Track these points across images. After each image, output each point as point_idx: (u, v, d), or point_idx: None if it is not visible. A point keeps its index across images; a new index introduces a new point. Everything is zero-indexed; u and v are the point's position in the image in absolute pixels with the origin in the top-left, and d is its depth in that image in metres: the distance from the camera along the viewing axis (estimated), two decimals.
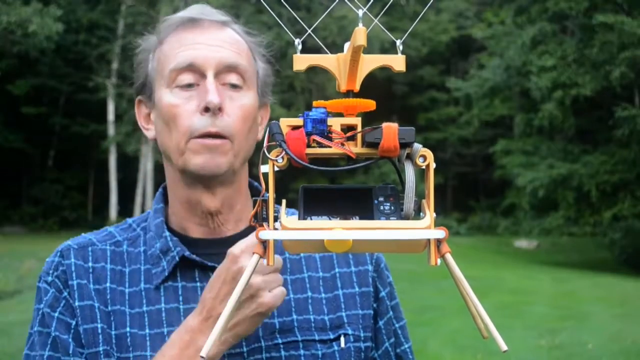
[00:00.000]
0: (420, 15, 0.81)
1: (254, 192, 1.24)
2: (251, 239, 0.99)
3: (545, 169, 17.82)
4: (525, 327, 8.41)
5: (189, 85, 1.08)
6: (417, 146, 0.68)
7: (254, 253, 0.68)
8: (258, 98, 1.16)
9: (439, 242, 0.67)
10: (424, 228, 0.66)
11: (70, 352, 1.08)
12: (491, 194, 28.59)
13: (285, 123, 0.70)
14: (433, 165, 0.67)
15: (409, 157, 0.68)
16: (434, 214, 0.67)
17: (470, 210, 29.25)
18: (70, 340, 1.09)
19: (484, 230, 27.03)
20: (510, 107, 23.80)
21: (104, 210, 25.90)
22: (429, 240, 0.67)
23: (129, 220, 1.25)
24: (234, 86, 1.10)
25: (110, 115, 24.00)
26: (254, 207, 0.72)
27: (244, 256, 0.97)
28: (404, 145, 0.68)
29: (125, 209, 24.90)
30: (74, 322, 1.10)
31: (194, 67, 1.08)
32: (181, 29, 1.12)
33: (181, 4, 21.09)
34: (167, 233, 1.14)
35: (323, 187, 0.72)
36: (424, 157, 0.68)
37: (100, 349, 1.08)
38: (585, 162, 17.60)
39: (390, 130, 0.67)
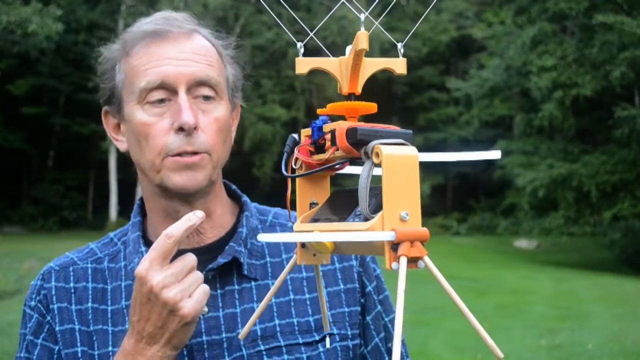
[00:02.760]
0: (422, 18, 0.82)
1: (232, 194, 1.23)
2: (151, 253, 0.96)
3: (545, 169, 17.82)
4: (525, 327, 8.41)
5: (161, 101, 1.07)
6: (372, 144, 0.66)
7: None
8: (230, 104, 1.14)
9: (393, 244, 0.64)
10: (364, 230, 0.65)
11: None
12: (491, 194, 28.58)
13: (304, 133, 0.75)
14: (390, 161, 0.64)
15: (368, 155, 0.67)
16: (404, 214, 0.64)
17: (470, 210, 29.24)
18: None
19: (484, 230, 27.02)
20: (510, 107, 23.82)
21: (104, 210, 25.90)
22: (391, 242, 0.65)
23: (111, 234, 1.24)
24: (207, 98, 1.09)
25: None
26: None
27: (150, 274, 0.95)
28: (359, 144, 0.67)
29: (125, 209, 24.89)
30: (56, 348, 1.12)
31: (165, 84, 1.06)
32: (149, 42, 1.09)
33: (181, 4, 21.09)
34: (143, 248, 1.13)
35: (349, 190, 0.74)
36: (378, 154, 0.65)
37: None
38: (585, 162, 17.60)
39: (339, 130, 0.68)
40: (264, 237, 0.68)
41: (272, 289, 0.81)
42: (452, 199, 30.99)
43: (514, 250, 21.31)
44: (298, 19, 0.80)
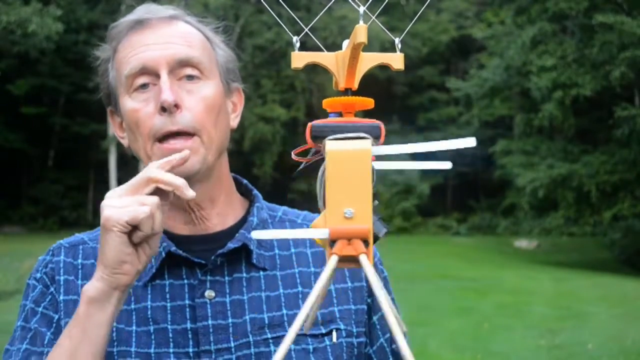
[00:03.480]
0: (417, 14, 0.81)
1: (242, 189, 1.23)
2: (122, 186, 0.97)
3: (545, 169, 17.82)
4: (525, 327, 8.41)
5: (145, 86, 1.08)
6: (325, 139, 0.65)
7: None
8: (223, 86, 1.14)
9: (331, 241, 0.61)
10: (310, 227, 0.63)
11: (46, 342, 1.09)
12: (491, 194, 28.57)
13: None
14: (333, 157, 0.62)
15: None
16: (348, 211, 0.61)
17: (470, 210, 29.24)
18: (49, 334, 1.10)
19: (484, 230, 27.01)
20: (510, 107, 23.81)
21: None
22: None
23: None
24: (191, 77, 1.09)
25: None
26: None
27: (105, 200, 0.96)
28: (318, 139, 0.66)
29: None
30: (56, 317, 1.11)
31: (147, 69, 1.07)
32: (131, 33, 1.11)
33: (181, 3, 21.09)
34: None
35: None
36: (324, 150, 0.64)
37: None
38: (585, 162, 17.59)
39: (308, 127, 0.66)
40: (257, 235, 0.67)
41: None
42: (452, 199, 30.99)
43: (514, 250, 21.30)
44: (298, 19, 0.80)
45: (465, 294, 11.02)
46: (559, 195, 17.90)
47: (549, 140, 20.62)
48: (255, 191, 1.22)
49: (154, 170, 0.96)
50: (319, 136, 0.65)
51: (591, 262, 17.79)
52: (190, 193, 0.96)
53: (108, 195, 0.96)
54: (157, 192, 0.96)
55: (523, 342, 7.59)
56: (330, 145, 0.62)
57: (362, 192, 0.61)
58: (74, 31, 24.48)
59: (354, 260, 0.61)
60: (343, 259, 0.61)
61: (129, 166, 24.49)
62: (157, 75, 1.07)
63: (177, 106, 1.05)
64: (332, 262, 0.61)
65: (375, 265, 1.19)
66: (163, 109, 1.05)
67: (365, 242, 0.61)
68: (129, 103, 1.09)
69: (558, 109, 17.46)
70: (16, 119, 25.53)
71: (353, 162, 0.61)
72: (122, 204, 0.94)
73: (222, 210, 1.16)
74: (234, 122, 1.18)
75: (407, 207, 26.30)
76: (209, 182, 1.12)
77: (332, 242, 0.61)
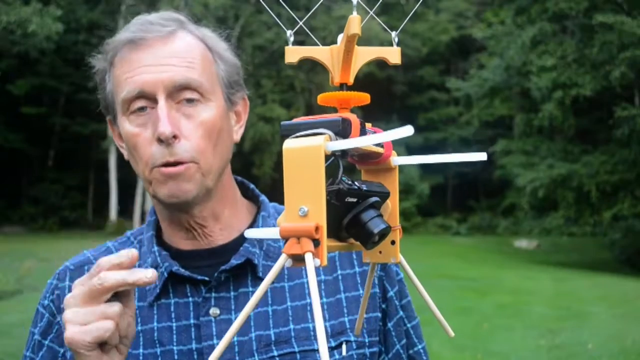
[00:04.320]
0: (413, 10, 0.79)
1: (249, 194, 1.20)
2: (77, 288, 0.91)
3: (545, 169, 17.83)
4: (525, 327, 8.41)
5: (143, 109, 1.04)
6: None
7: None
8: (224, 103, 1.10)
9: (295, 239, 0.60)
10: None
11: None
12: (491, 194, 28.59)
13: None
14: (287, 155, 0.61)
15: None
16: (302, 209, 0.60)
17: (470, 210, 29.25)
18: None
19: (484, 230, 27.03)
20: (510, 107, 23.81)
21: (104, 210, 25.91)
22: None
23: (128, 232, 1.22)
24: (191, 101, 1.05)
25: None
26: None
27: (66, 313, 0.90)
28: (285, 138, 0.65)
29: (125, 209, 24.90)
30: (62, 351, 1.11)
31: (144, 93, 1.03)
32: (127, 50, 1.06)
33: (181, 3, 21.09)
34: (156, 248, 1.12)
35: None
36: None
37: None
38: (585, 162, 17.60)
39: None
40: (250, 233, 0.66)
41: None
42: (452, 199, 31.01)
43: (514, 250, 21.31)
44: (297, 19, 0.80)
45: (465, 294, 11.03)
46: (559, 195, 17.90)
47: (549, 140, 20.63)
48: (263, 197, 1.19)
49: (108, 276, 0.89)
50: (286, 135, 0.64)
51: (591, 262, 17.80)
52: (150, 275, 0.91)
53: (66, 303, 0.90)
54: (117, 293, 0.91)
55: (523, 342, 7.59)
56: (286, 144, 0.61)
57: (316, 189, 0.60)
58: (74, 31, 24.49)
59: (301, 259, 0.60)
60: (295, 258, 0.60)
61: (129, 166, 24.51)
62: (155, 100, 1.03)
63: (175, 137, 1.02)
64: (280, 260, 0.60)
65: (390, 266, 1.16)
66: (160, 140, 1.02)
67: (316, 241, 0.59)
68: (127, 126, 1.06)
69: (558, 109, 17.46)
70: (16, 119, 25.54)
71: (305, 159, 0.60)
72: (83, 319, 0.88)
73: (226, 224, 1.13)
74: (237, 135, 1.15)
75: (407, 207, 26.31)
76: (211, 201, 1.10)
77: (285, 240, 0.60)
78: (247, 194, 1.20)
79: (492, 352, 7.04)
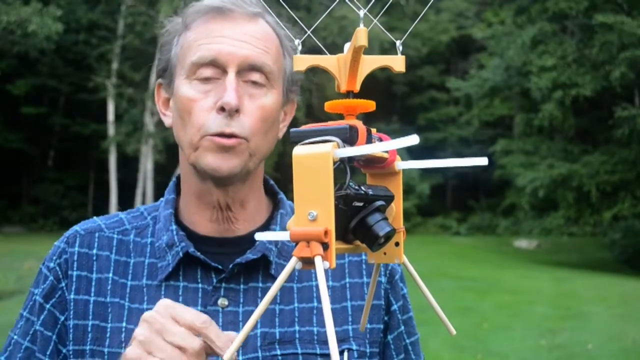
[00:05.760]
0: (420, 17, 0.81)
1: (269, 189, 1.20)
2: (179, 310, 0.90)
3: (545, 169, 17.83)
4: (525, 327, 8.41)
5: (209, 79, 1.04)
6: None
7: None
8: (282, 97, 1.11)
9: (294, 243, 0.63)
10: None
11: (48, 353, 1.08)
12: (491, 194, 28.58)
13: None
14: (297, 161, 0.64)
15: None
16: (311, 213, 0.62)
17: (470, 210, 29.24)
18: (53, 337, 1.08)
19: (484, 230, 27.02)
20: (510, 107, 23.82)
21: (104, 210, 25.89)
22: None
23: (142, 207, 1.21)
24: (256, 83, 1.05)
25: (110, 115, 23.99)
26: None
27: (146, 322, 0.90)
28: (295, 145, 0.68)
29: (125, 209, 24.83)
30: (62, 318, 1.09)
31: (216, 62, 1.03)
32: (210, 18, 1.06)
33: (181, 3, 21.09)
34: (174, 227, 1.11)
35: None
36: None
37: (87, 347, 1.06)
38: (585, 162, 17.61)
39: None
40: (260, 236, 0.68)
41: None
42: (452, 198, 31.00)
43: (514, 250, 21.31)
44: (298, 19, 0.80)
45: (465, 294, 11.03)
46: (559, 195, 17.91)
47: (549, 140, 20.64)
48: (281, 195, 1.19)
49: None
50: (296, 142, 0.66)
51: (591, 262, 17.80)
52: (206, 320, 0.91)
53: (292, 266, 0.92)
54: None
55: (523, 342, 7.60)
56: (295, 151, 0.64)
57: (324, 194, 0.62)
58: (74, 31, 24.46)
59: (310, 262, 0.62)
60: (305, 261, 0.62)
61: (129, 166, 24.53)
62: (225, 71, 1.04)
63: (237, 110, 1.02)
64: (291, 263, 0.63)
65: (396, 281, 1.17)
66: (222, 109, 1.02)
67: (325, 245, 0.61)
68: (187, 90, 1.05)
69: (558, 109, 17.47)
70: (16, 119, 25.53)
71: (314, 165, 0.63)
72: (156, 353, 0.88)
73: (250, 216, 1.13)
74: (281, 132, 1.15)
75: (407, 207, 26.31)
76: (244, 186, 1.10)
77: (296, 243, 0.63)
78: (266, 188, 1.20)
79: (492, 352, 7.04)
